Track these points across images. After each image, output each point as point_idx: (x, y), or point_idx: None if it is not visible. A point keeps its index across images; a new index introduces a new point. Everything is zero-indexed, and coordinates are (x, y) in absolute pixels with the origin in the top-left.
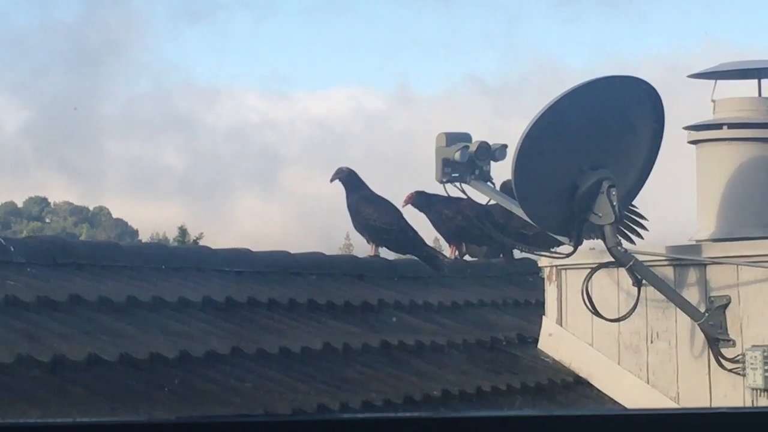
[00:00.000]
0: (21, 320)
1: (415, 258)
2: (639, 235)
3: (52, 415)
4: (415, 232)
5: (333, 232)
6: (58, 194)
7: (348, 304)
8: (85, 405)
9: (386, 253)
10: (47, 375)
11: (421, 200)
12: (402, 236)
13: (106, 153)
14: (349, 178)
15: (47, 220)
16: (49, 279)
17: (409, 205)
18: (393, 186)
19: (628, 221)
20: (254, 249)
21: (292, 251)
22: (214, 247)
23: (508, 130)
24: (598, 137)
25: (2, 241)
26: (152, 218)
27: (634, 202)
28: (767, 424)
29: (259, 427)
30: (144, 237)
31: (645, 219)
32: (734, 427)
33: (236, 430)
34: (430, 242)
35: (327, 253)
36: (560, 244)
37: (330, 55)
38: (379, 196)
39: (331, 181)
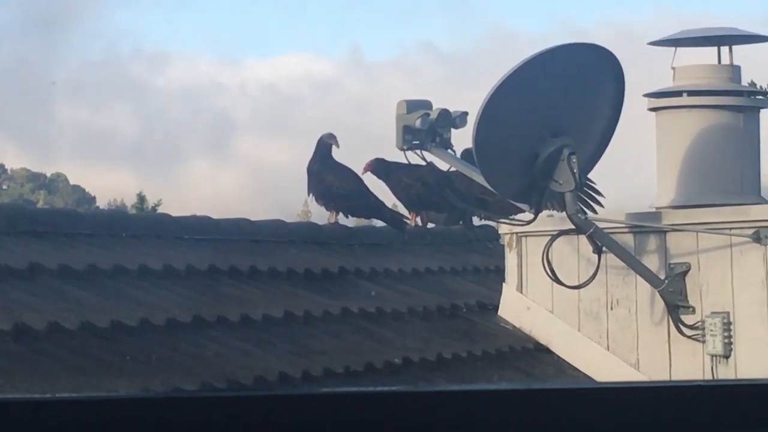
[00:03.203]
0: None
1: (375, 225)
2: (593, 210)
3: (14, 383)
4: (377, 198)
5: (290, 198)
6: (13, 160)
7: (309, 271)
8: (48, 373)
9: (346, 221)
10: (9, 344)
11: (380, 168)
12: (364, 201)
13: (59, 119)
14: (324, 144)
15: (4, 187)
16: (9, 247)
17: (369, 173)
18: (350, 153)
19: (585, 196)
20: (210, 215)
21: (248, 217)
22: (169, 213)
23: (463, 97)
24: (559, 105)
25: None
26: (108, 184)
27: (591, 177)
28: (743, 396)
29: (229, 402)
30: (102, 203)
31: (602, 195)
32: (711, 398)
33: (218, 405)
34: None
35: (284, 219)
36: (520, 210)
37: (281, 20)
38: (339, 164)
39: (317, 145)
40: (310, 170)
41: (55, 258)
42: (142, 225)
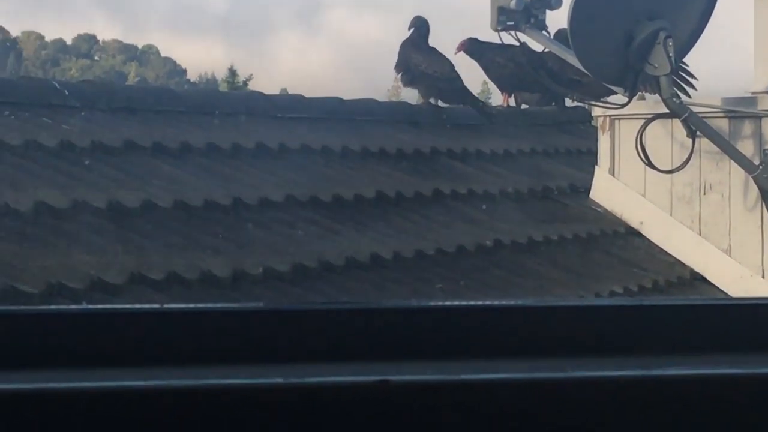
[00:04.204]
0: (76, 165)
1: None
2: (687, 94)
3: (108, 261)
4: (465, 87)
5: (379, 75)
6: (105, 32)
7: (400, 151)
8: (141, 251)
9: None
10: (102, 221)
11: (473, 47)
12: (453, 86)
13: None
14: (420, 29)
15: (96, 58)
16: (103, 124)
17: (462, 53)
18: (442, 33)
19: (678, 79)
20: (299, 91)
21: (337, 94)
22: (258, 89)
23: None
24: None
25: (57, 84)
26: (199, 57)
27: (685, 60)
28: None
29: (347, 314)
30: (192, 76)
31: (695, 78)
32: None
33: (325, 317)
34: (478, 86)
35: (373, 95)
36: (613, 93)
37: None
38: (432, 48)
39: (409, 28)
40: (401, 51)
41: (149, 135)
42: (235, 103)
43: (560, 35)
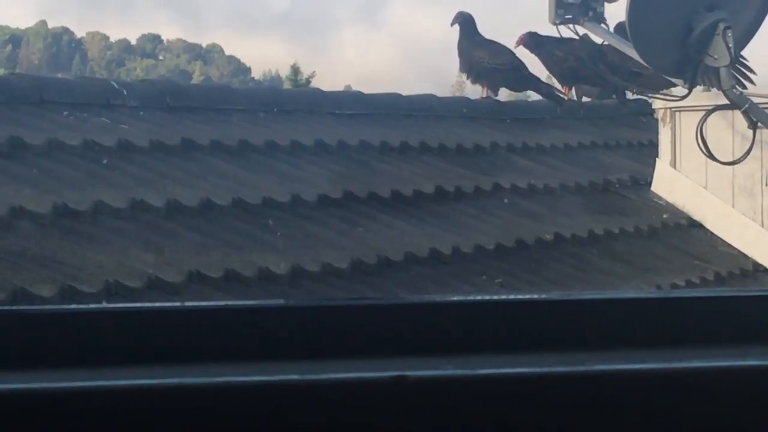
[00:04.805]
0: (134, 164)
1: (527, 99)
2: (744, 87)
3: (165, 259)
4: (531, 72)
5: (443, 70)
6: (169, 31)
7: (460, 146)
8: (199, 249)
9: (497, 96)
10: (161, 219)
11: (532, 41)
12: (518, 74)
13: None
14: (466, 23)
15: (161, 58)
16: (162, 123)
17: (521, 47)
18: (502, 27)
19: (736, 72)
20: (362, 86)
21: (401, 89)
22: (321, 85)
23: None
24: None
25: (115, 84)
26: (263, 54)
27: (743, 54)
28: None
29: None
30: (256, 74)
31: (754, 73)
32: None
33: (378, 313)
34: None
35: (438, 91)
36: (673, 85)
37: None
38: (488, 39)
39: (452, 24)
40: (460, 50)
41: (208, 133)
42: (294, 100)
43: (620, 28)
